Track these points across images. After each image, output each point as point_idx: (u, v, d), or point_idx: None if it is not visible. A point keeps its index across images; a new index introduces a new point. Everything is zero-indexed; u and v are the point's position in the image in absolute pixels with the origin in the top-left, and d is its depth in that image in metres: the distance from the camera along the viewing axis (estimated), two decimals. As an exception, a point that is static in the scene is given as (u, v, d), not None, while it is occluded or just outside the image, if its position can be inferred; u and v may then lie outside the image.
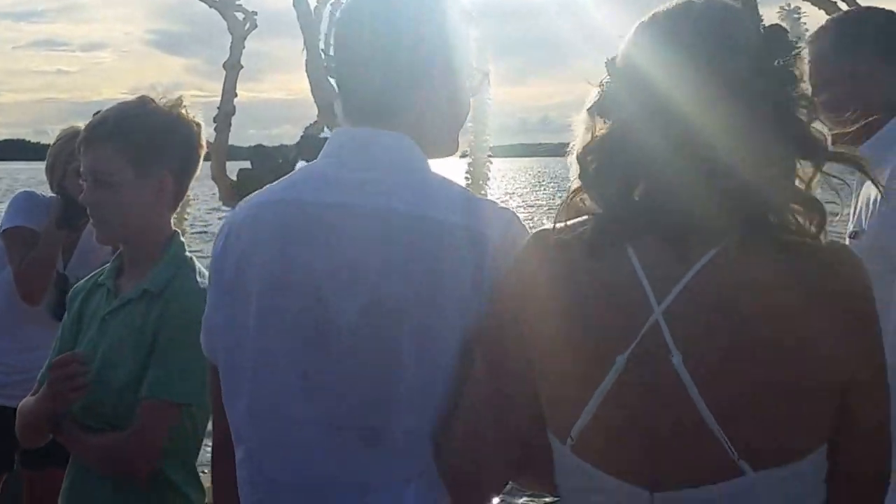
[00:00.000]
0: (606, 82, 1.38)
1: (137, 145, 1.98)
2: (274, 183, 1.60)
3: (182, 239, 2.17)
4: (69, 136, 3.18)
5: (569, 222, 1.37)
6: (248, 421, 1.52)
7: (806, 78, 1.38)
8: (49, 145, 3.36)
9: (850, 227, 2.31)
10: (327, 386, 1.46)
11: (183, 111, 2.09)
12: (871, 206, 2.21)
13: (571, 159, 2.51)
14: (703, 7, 1.34)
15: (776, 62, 1.33)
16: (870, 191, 2.21)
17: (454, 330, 1.41)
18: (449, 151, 1.66)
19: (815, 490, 1.29)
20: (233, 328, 1.53)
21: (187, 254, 2.14)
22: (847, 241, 2.24)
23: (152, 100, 2.08)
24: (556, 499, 1.49)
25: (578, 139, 2.46)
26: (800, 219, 1.28)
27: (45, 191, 3.33)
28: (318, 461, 1.47)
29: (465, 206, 1.48)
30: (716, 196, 1.26)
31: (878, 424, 1.30)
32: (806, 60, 1.44)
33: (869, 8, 2.37)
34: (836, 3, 2.86)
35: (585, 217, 1.36)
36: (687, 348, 1.23)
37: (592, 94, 1.46)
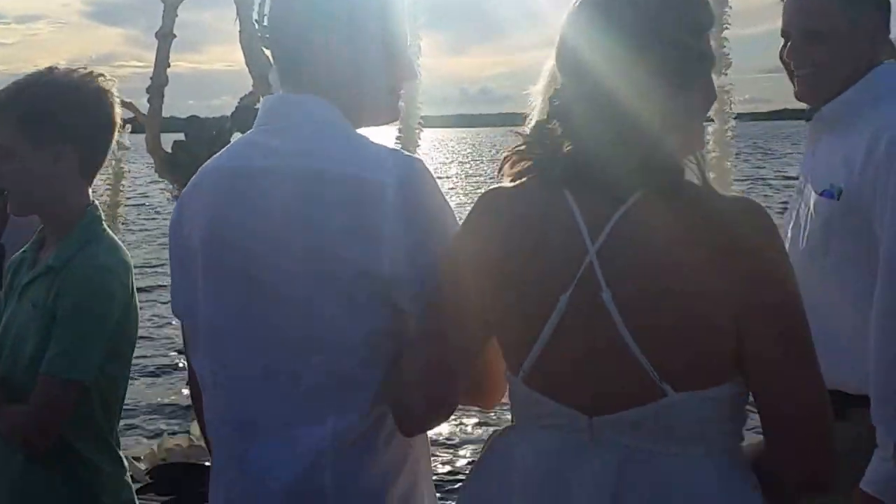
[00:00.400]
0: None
1: (30, 116, 1.97)
2: (219, 152, 1.73)
3: (98, 212, 2.15)
4: None
5: (512, 181, 1.51)
6: (206, 370, 1.69)
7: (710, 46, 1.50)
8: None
9: (813, 185, 2.27)
10: (260, 337, 1.61)
11: (91, 80, 2.07)
12: (848, 166, 2.17)
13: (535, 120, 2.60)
14: None
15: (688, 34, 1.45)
16: (844, 152, 2.20)
17: (364, 278, 1.52)
18: (388, 118, 1.76)
19: (735, 415, 1.44)
20: (188, 289, 1.68)
21: (102, 227, 2.13)
22: (816, 198, 2.23)
23: (58, 70, 2.07)
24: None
25: (536, 109, 2.58)
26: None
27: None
28: (253, 402, 1.63)
29: (372, 159, 1.56)
30: (630, 155, 1.41)
31: (784, 360, 1.41)
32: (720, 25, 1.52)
33: None
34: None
35: (526, 174, 1.50)
36: (615, 285, 1.37)
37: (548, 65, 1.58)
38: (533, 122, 2.43)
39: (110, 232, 2.15)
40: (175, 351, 10.90)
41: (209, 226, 1.64)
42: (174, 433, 3.33)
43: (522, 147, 1.52)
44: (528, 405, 1.50)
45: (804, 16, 2.29)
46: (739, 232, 1.39)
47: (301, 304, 1.57)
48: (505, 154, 1.56)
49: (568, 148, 1.45)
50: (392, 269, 1.51)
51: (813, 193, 2.23)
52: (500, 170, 1.56)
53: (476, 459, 1.67)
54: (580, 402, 1.42)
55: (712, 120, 3.48)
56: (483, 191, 1.61)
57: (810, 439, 1.44)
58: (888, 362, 2.07)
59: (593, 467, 1.43)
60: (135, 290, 2.17)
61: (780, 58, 2.31)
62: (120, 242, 2.16)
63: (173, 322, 12.58)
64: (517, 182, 1.51)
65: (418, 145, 3.42)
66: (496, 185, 1.57)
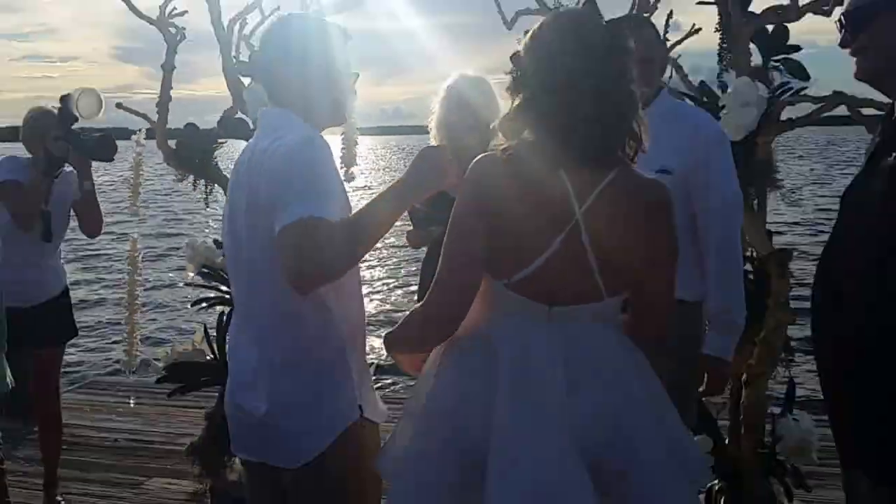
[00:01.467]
0: (515, 70, 1.51)
1: None
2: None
3: None
4: (42, 113, 3.28)
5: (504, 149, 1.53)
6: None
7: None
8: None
9: (647, 164, 2.26)
10: (236, 278, 1.79)
11: None
12: (677, 150, 2.18)
13: (432, 128, 2.70)
14: (577, 15, 1.56)
15: (624, 56, 1.49)
16: (669, 141, 2.14)
17: (269, 225, 1.57)
18: (336, 121, 1.82)
19: (617, 313, 1.62)
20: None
21: None
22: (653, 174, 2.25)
23: None
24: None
25: (435, 116, 2.66)
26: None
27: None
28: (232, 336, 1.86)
29: (283, 137, 1.63)
30: (614, 139, 1.49)
31: (663, 287, 1.59)
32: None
33: None
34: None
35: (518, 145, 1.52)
36: (591, 232, 1.49)
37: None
38: (432, 126, 2.55)
39: None
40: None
41: (227, 202, 1.83)
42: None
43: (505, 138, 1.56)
44: (503, 300, 1.54)
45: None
46: (657, 204, 1.53)
47: (244, 247, 1.69)
48: (501, 146, 1.55)
49: (560, 134, 1.47)
50: (274, 215, 1.56)
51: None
52: (503, 149, 1.54)
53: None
54: (544, 298, 1.52)
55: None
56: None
57: (664, 321, 1.62)
58: (718, 282, 2.27)
59: (550, 334, 1.52)
60: None
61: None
62: None
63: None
64: (509, 155, 1.52)
65: (357, 144, 3.52)
66: (488, 154, 1.55)
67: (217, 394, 3.42)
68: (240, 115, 3.61)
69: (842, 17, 1.51)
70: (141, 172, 3.92)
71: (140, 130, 3.80)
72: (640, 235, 1.51)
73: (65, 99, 3.09)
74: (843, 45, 1.51)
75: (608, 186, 1.49)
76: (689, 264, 2.19)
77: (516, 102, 1.52)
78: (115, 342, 8.56)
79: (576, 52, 1.45)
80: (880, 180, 1.45)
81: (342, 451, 1.64)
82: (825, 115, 2.69)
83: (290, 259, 1.53)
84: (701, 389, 2.37)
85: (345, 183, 1.87)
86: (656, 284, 1.58)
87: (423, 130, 3.03)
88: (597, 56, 1.45)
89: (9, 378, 2.34)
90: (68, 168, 3.21)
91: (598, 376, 1.53)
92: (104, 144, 3.10)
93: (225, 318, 3.37)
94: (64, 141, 3.07)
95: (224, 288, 3.45)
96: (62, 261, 3.44)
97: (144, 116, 3.64)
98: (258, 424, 1.65)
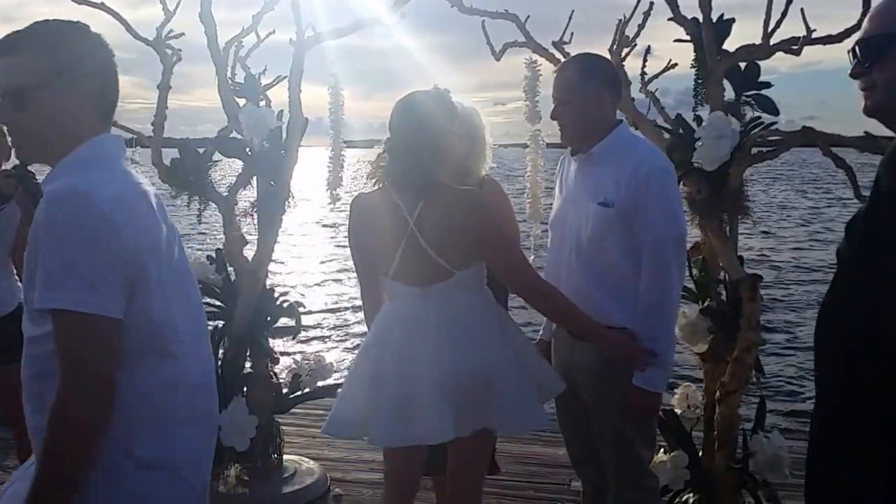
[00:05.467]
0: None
1: None
2: None
3: None
4: None
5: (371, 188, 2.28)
6: None
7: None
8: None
9: (593, 197, 2.30)
10: None
11: None
12: (617, 185, 2.25)
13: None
14: (421, 96, 2.19)
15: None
16: (613, 176, 2.25)
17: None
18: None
19: (479, 283, 2.24)
20: None
21: None
22: (595, 207, 2.28)
23: None
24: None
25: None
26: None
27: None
28: None
29: None
30: (423, 177, 2.15)
31: (503, 254, 2.17)
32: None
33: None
34: (554, 55, 3.18)
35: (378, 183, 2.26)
36: (424, 233, 2.13)
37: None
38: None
39: None
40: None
41: None
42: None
43: (373, 169, 2.23)
44: (391, 288, 2.25)
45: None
46: (466, 208, 2.12)
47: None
48: (368, 173, 2.24)
49: (393, 171, 2.15)
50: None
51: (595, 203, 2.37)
52: (367, 180, 2.25)
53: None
54: (415, 282, 2.18)
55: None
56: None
57: (519, 277, 2.18)
58: (645, 314, 2.27)
59: (424, 305, 2.17)
60: None
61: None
62: None
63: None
64: (375, 188, 2.24)
65: (344, 159, 3.58)
66: (360, 193, 2.26)
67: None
68: (234, 134, 3.69)
69: (855, 46, 1.41)
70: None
71: (135, 148, 3.83)
72: (458, 229, 2.09)
73: None
74: (853, 75, 1.40)
75: (427, 201, 2.11)
76: (632, 294, 2.26)
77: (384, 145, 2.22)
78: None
79: (406, 119, 2.17)
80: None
81: None
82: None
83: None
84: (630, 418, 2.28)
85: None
86: (496, 257, 2.15)
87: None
88: (419, 125, 2.13)
89: None
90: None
91: (467, 331, 2.15)
92: None
93: (217, 334, 3.43)
94: (14, 179, 3.11)
95: (216, 303, 3.55)
96: (14, 277, 3.28)
97: (138, 133, 3.67)
98: None
